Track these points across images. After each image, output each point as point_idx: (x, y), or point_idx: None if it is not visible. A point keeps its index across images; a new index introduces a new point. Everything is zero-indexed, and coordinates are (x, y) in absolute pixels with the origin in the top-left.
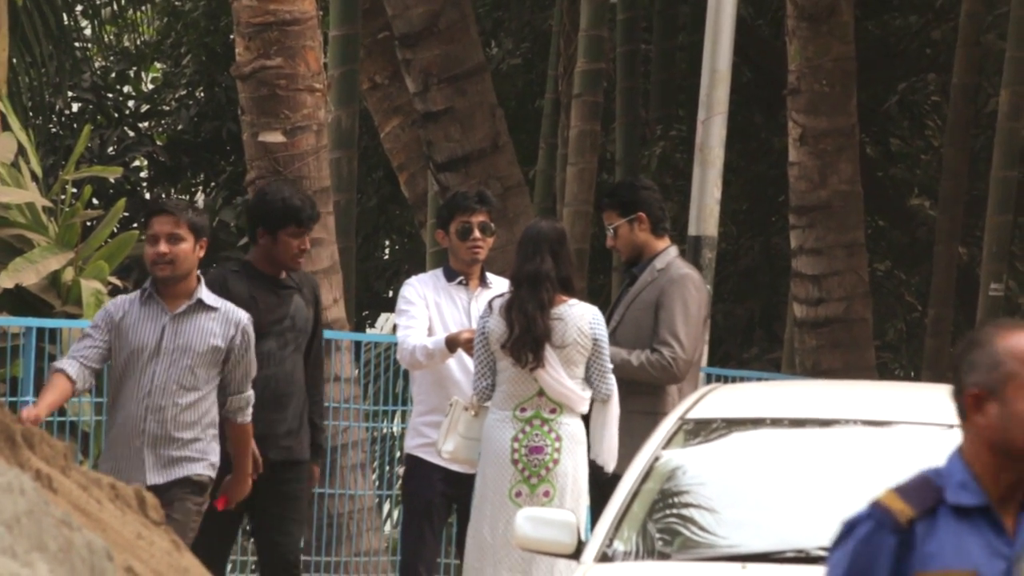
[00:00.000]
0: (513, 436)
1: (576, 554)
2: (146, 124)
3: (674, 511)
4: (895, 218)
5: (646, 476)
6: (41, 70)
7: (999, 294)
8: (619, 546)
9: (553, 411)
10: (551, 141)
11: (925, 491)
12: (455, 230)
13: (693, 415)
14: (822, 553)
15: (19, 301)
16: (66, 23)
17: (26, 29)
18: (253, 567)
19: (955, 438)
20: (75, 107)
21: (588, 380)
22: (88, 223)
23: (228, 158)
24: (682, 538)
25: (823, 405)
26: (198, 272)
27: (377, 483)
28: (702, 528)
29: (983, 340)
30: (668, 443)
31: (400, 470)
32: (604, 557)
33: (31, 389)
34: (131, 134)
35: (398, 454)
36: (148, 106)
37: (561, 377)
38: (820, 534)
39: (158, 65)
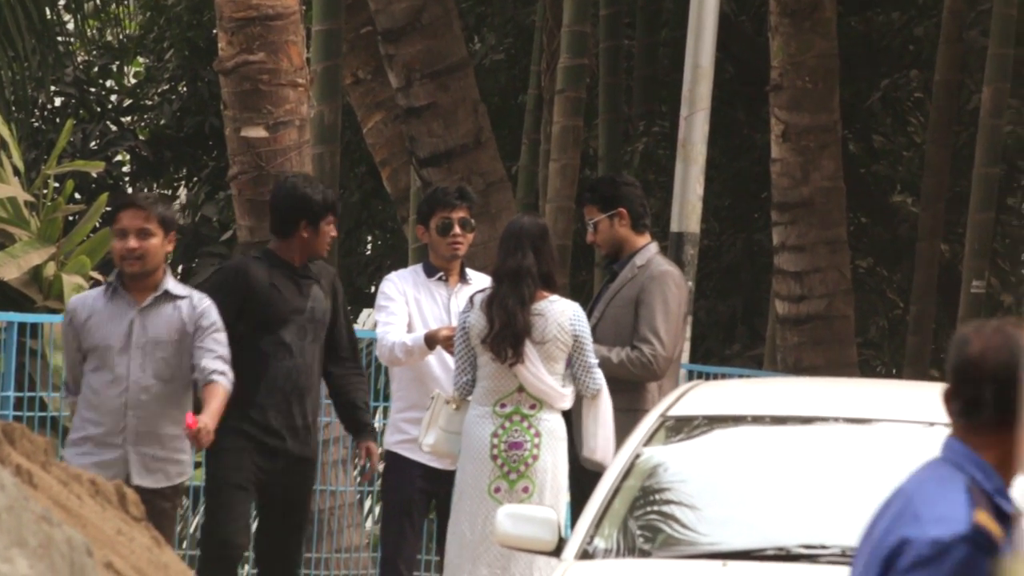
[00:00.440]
0: (493, 432)
1: (557, 551)
2: (129, 119)
3: (655, 508)
4: (877, 215)
5: (627, 473)
6: (23, 64)
7: (981, 291)
8: (600, 543)
9: (533, 407)
10: (534, 137)
11: (991, 504)
12: (435, 226)
13: (674, 412)
14: (803, 551)
15: (0, 295)
16: (49, 17)
17: (8, 23)
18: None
19: (936, 435)
20: (57, 101)
21: (573, 376)
22: (70, 218)
23: (211, 153)
24: (663, 535)
25: (804, 402)
26: (166, 264)
27: (358, 479)
28: (683, 525)
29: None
30: (649, 440)
31: (381, 466)
32: (585, 554)
33: (12, 384)
34: (113, 128)
35: (380, 450)
36: (131, 100)
37: (541, 373)
38: (801, 532)
39: (141, 60)
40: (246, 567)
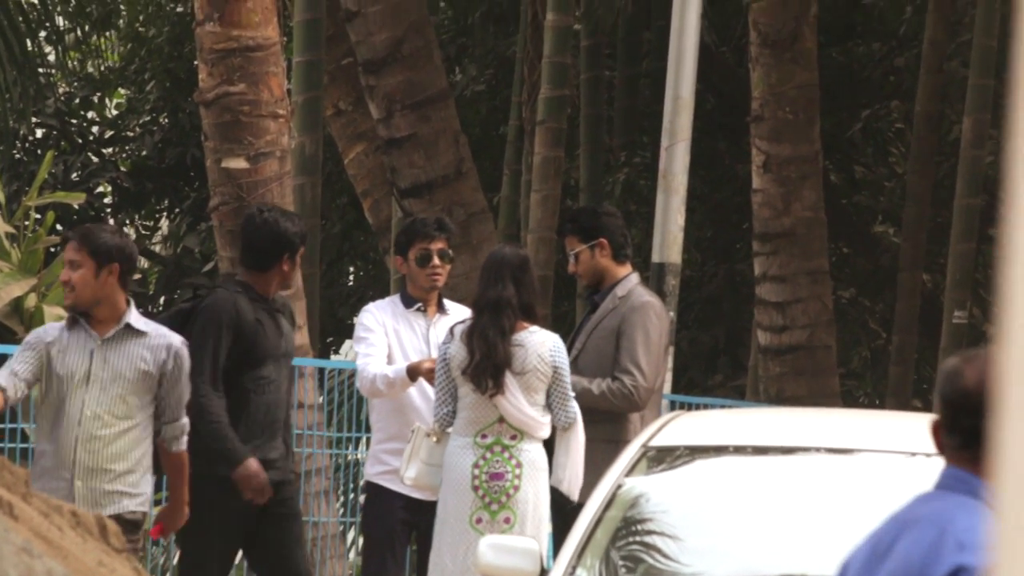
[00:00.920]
0: (474, 462)
1: None
2: (110, 150)
3: (637, 539)
4: (859, 245)
5: (609, 503)
6: (5, 96)
7: (963, 321)
8: (582, 574)
9: (514, 437)
10: (515, 167)
11: None
12: (414, 257)
13: (656, 442)
14: None
15: None
16: (30, 49)
17: None
18: None
19: (918, 466)
20: (39, 133)
21: (549, 407)
22: (51, 249)
23: (192, 184)
24: (645, 566)
25: (787, 433)
26: (128, 296)
27: (341, 510)
28: (665, 556)
29: None
30: (631, 470)
31: (363, 497)
32: None
33: None
34: (95, 160)
35: (362, 481)
36: (112, 132)
37: (520, 404)
38: (783, 562)
39: (122, 91)
40: None
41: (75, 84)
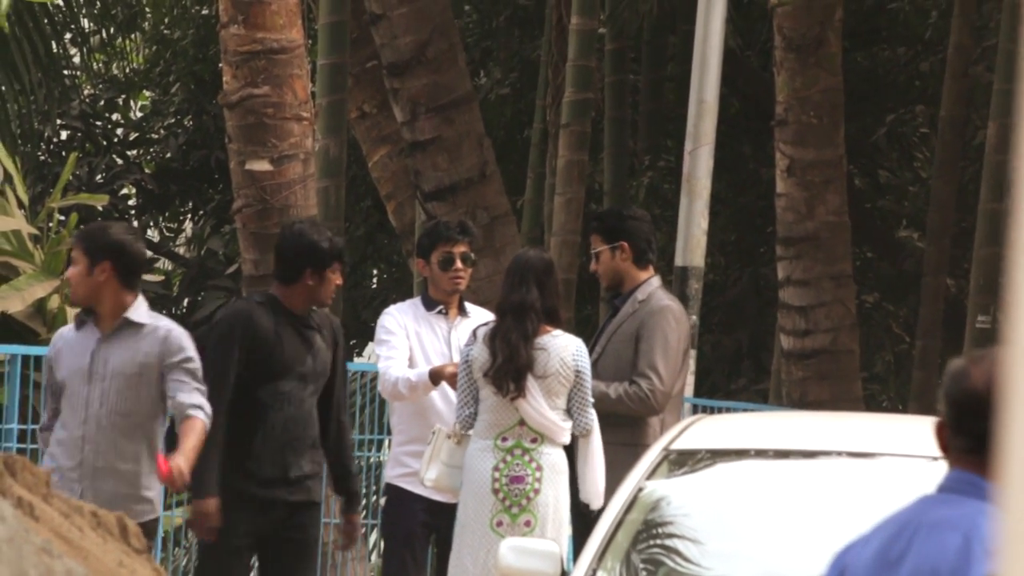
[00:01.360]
0: (494, 465)
1: None
2: (134, 152)
3: (658, 542)
4: (883, 249)
5: (630, 506)
6: (29, 98)
7: (987, 326)
8: None
9: (534, 440)
10: (539, 171)
11: None
12: (436, 260)
13: (677, 446)
14: None
15: (4, 328)
16: (55, 51)
17: (15, 56)
18: None
19: (940, 470)
20: (63, 135)
21: (569, 412)
22: None
23: (216, 186)
24: (665, 569)
25: (808, 436)
26: (134, 293)
27: (363, 512)
28: (686, 559)
29: None
30: (652, 473)
31: (384, 500)
32: None
33: (15, 416)
34: (119, 162)
35: (383, 484)
36: (136, 134)
37: (542, 407)
38: (804, 566)
39: (146, 93)
40: None
41: (100, 86)
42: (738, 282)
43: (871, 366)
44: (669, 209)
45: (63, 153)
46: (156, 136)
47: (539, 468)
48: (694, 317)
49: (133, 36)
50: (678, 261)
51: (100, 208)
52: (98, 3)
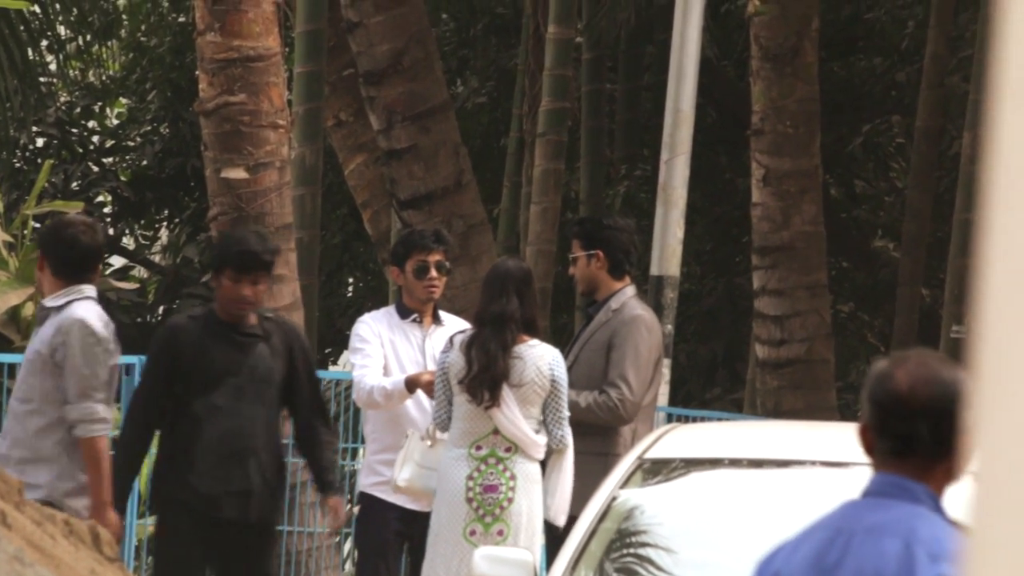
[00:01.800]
0: (468, 475)
1: None
2: (110, 159)
3: (631, 551)
4: (858, 259)
5: (603, 515)
6: (5, 104)
7: (961, 336)
8: None
9: (508, 450)
10: (515, 180)
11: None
12: (411, 268)
13: (651, 454)
14: None
15: None
16: (31, 57)
17: None
18: None
19: None
20: (39, 142)
21: (544, 424)
22: None
23: (192, 194)
24: None
25: (782, 446)
26: (61, 282)
27: None
28: (659, 568)
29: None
30: (626, 482)
31: (357, 508)
32: None
33: None
34: (95, 169)
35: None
36: (112, 141)
37: (516, 418)
38: None
39: (123, 100)
40: None
41: (76, 93)
42: (713, 292)
43: (846, 375)
44: (645, 218)
45: (38, 160)
46: (132, 143)
47: (513, 477)
48: (669, 326)
49: (110, 43)
50: (653, 270)
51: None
52: (75, 10)
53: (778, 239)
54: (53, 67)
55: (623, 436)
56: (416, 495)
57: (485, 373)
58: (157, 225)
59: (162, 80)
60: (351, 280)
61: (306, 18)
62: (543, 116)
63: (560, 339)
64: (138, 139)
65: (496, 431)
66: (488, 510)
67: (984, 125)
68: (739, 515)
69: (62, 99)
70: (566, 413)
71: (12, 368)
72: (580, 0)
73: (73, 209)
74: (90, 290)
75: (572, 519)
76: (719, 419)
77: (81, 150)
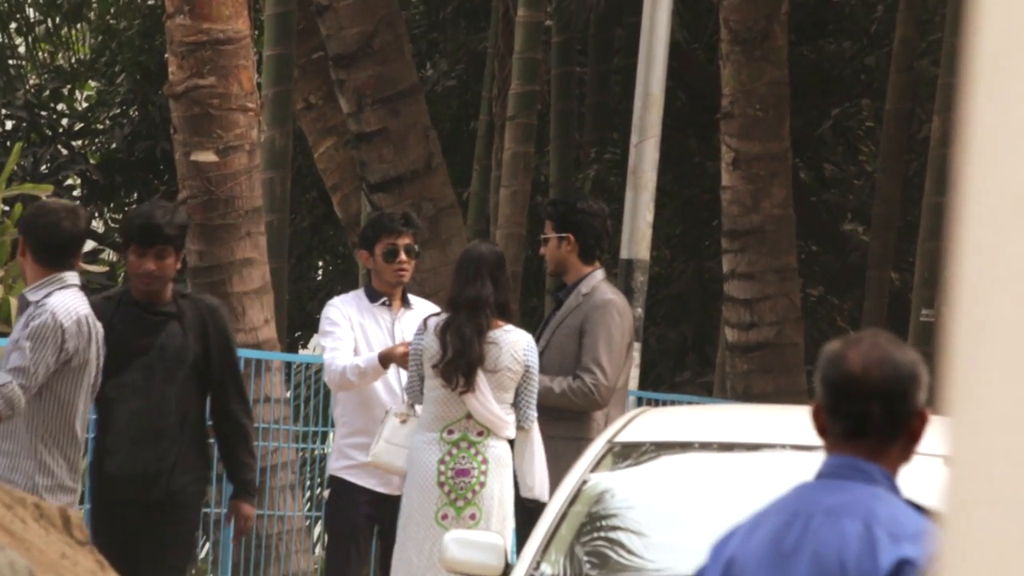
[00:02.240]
0: (439, 458)
1: None
2: (80, 142)
3: (602, 534)
4: (828, 243)
5: (574, 499)
6: None
7: (931, 319)
8: (546, 569)
9: (480, 434)
10: (485, 163)
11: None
12: (381, 252)
13: (621, 438)
14: None
15: None
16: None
17: None
18: None
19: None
20: (8, 124)
21: (515, 406)
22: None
23: (162, 177)
24: (610, 561)
25: (752, 429)
26: (42, 268)
27: (308, 505)
28: (630, 551)
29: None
30: (596, 466)
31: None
32: None
33: None
34: (64, 152)
35: (328, 475)
36: (81, 124)
37: (489, 403)
38: None
39: (92, 83)
40: None
41: (45, 76)
42: (683, 275)
43: (815, 359)
44: (615, 202)
45: (8, 143)
46: (101, 126)
47: (485, 461)
48: (639, 310)
49: (79, 26)
50: (623, 254)
51: (44, 198)
52: None
53: (747, 222)
54: (22, 50)
55: (596, 421)
56: (384, 470)
57: (460, 358)
58: (127, 208)
59: (131, 63)
60: (321, 263)
61: (275, 1)
62: (513, 99)
63: (531, 323)
64: (107, 122)
65: (469, 415)
66: (460, 494)
67: (955, 108)
68: (709, 498)
69: (31, 82)
70: (535, 398)
71: None
72: None
73: (43, 192)
74: (72, 277)
75: (542, 505)
76: (689, 402)
77: (50, 133)
